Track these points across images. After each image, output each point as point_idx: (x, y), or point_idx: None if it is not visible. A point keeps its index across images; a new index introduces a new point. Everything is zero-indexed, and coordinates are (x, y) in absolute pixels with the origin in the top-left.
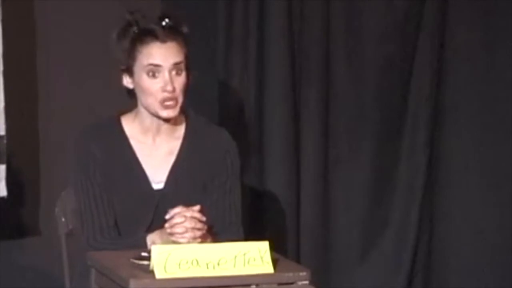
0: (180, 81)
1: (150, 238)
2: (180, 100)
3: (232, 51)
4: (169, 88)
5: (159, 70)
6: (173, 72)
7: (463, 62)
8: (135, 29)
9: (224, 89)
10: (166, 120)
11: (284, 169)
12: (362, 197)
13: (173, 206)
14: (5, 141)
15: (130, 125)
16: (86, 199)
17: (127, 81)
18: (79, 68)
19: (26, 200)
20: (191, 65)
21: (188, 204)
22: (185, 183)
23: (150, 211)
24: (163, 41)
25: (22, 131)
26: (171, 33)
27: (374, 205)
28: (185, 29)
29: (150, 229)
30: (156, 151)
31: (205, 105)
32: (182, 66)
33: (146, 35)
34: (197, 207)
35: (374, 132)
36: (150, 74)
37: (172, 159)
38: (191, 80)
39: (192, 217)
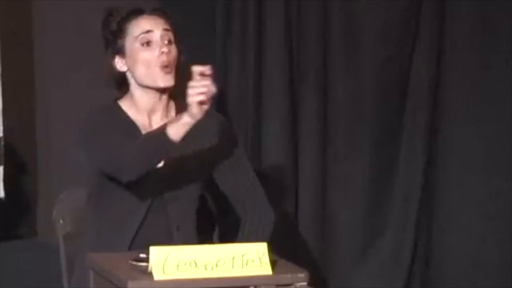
0: (172, 50)
1: (170, 130)
2: (173, 70)
3: (231, 51)
4: (165, 49)
5: (152, 37)
6: (165, 40)
7: (462, 63)
8: (121, 12)
9: (223, 89)
10: (162, 92)
11: (283, 169)
12: (361, 198)
13: (176, 174)
14: (2, 143)
15: (128, 108)
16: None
17: (120, 64)
18: (77, 69)
19: (23, 202)
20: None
21: (190, 172)
22: (185, 151)
23: (154, 181)
24: (150, 13)
25: (19, 133)
26: (156, 10)
27: (373, 205)
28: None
29: (152, 205)
30: (154, 127)
31: None
32: (172, 36)
33: (133, 13)
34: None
35: (373, 132)
36: (144, 44)
37: None
38: (182, 59)
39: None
